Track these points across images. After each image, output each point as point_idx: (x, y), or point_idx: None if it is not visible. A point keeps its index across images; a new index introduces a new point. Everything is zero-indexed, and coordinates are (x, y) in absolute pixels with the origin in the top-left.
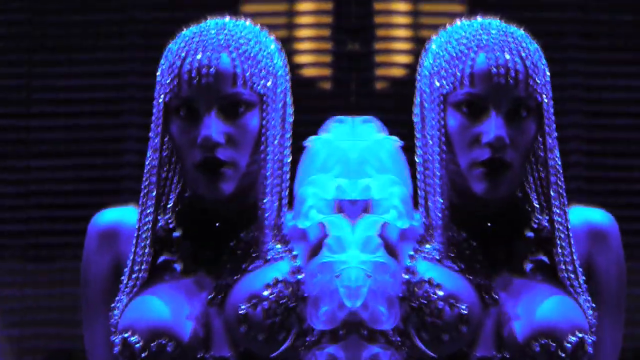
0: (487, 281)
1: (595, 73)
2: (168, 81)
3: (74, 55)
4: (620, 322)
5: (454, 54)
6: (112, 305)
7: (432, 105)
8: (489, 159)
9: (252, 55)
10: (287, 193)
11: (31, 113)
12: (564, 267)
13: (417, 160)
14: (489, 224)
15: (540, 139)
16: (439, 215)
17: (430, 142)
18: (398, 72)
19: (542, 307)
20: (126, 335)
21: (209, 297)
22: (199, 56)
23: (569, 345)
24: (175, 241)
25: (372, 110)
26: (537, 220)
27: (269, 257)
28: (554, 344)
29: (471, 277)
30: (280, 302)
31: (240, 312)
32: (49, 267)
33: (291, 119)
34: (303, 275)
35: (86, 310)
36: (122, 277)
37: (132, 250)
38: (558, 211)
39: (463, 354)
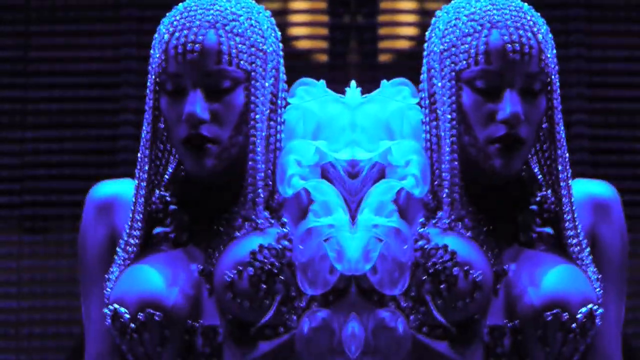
0: (495, 251)
1: (598, 44)
2: (157, 56)
3: (71, 27)
4: (623, 293)
5: (466, 31)
6: (106, 277)
7: (444, 81)
8: (504, 135)
9: (240, 32)
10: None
11: (28, 84)
12: (570, 239)
13: (424, 134)
14: (495, 196)
15: (549, 113)
16: (448, 187)
17: (442, 118)
18: (402, 45)
19: (553, 278)
20: (116, 306)
21: (200, 267)
22: (185, 32)
23: (579, 315)
24: (170, 213)
25: (374, 83)
26: (542, 193)
27: (252, 227)
28: (566, 314)
29: (484, 247)
30: (265, 268)
31: (226, 279)
32: (44, 239)
33: (285, 94)
34: (290, 241)
35: (83, 282)
36: (117, 249)
37: (128, 222)
38: (563, 184)
39: (475, 322)
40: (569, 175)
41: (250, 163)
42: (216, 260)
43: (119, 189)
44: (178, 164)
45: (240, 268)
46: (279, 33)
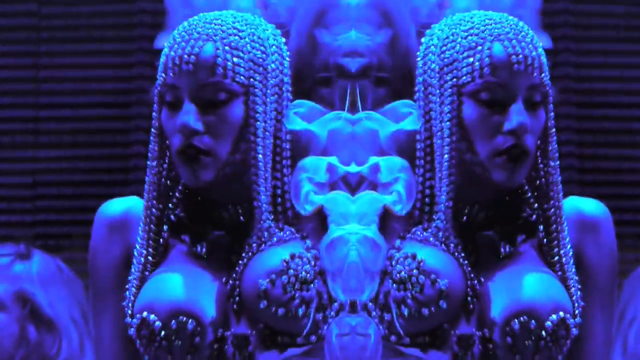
0: (474, 266)
1: (586, 64)
2: (160, 69)
3: (83, 46)
4: (612, 312)
5: (467, 45)
6: (125, 291)
7: (443, 97)
8: (512, 146)
9: (238, 46)
10: (288, 181)
11: (39, 104)
12: (553, 253)
13: (418, 148)
14: (481, 209)
15: (546, 126)
16: (442, 203)
17: (439, 134)
18: None
19: (522, 285)
20: (144, 314)
21: (224, 278)
22: (183, 44)
23: (549, 323)
24: (183, 225)
25: None
26: (528, 208)
27: (276, 239)
28: (534, 322)
29: (460, 259)
30: (299, 276)
31: (260, 287)
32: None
33: (284, 111)
34: (317, 251)
35: (95, 301)
36: (133, 263)
37: (142, 235)
38: (553, 197)
39: (443, 332)
40: (559, 189)
41: (252, 178)
42: (240, 272)
43: (130, 206)
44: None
45: (274, 276)
46: (287, 52)
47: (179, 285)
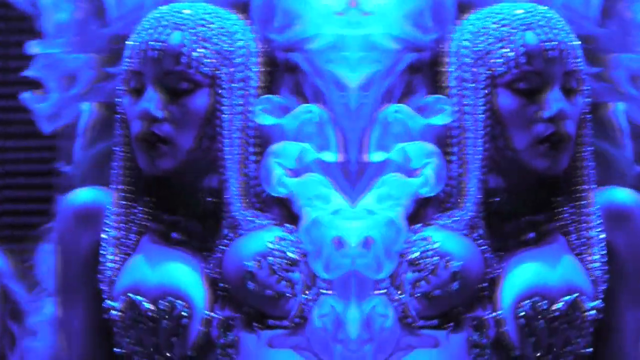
0: (499, 254)
1: None
2: (126, 55)
3: None
4: None
5: (500, 36)
6: (100, 276)
7: (477, 89)
8: (553, 133)
9: (206, 37)
10: (255, 170)
11: (8, 94)
12: (581, 235)
13: (453, 139)
14: (510, 197)
15: (583, 111)
16: (472, 192)
17: (473, 126)
18: None
19: (536, 267)
20: (130, 295)
21: (202, 263)
22: (151, 31)
23: (561, 304)
24: (157, 212)
25: None
26: (561, 192)
27: (253, 226)
28: (545, 302)
29: (482, 245)
30: (285, 257)
31: (246, 269)
32: (22, 248)
33: (255, 101)
34: (297, 234)
35: (64, 293)
36: (105, 249)
37: (114, 220)
38: (585, 185)
39: (458, 314)
40: (591, 174)
41: (220, 170)
42: (222, 257)
43: (97, 196)
44: None
45: (260, 258)
46: (257, 47)
47: (164, 267)
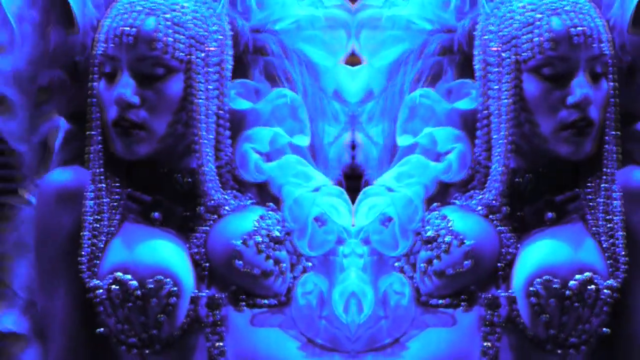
0: (520, 231)
1: None
2: (100, 39)
3: None
4: None
5: (525, 21)
6: (81, 259)
7: (502, 74)
8: (578, 118)
9: (180, 22)
10: (230, 153)
11: None
12: (600, 218)
13: (478, 123)
14: (534, 179)
15: (608, 96)
16: (497, 175)
17: (499, 111)
18: None
19: (548, 246)
20: (118, 274)
21: (185, 244)
22: (126, 16)
23: (573, 282)
24: (133, 196)
25: None
26: (582, 175)
27: (229, 207)
28: (557, 280)
29: (499, 225)
30: (272, 235)
31: (235, 248)
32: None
33: (229, 86)
34: (281, 213)
35: (45, 274)
36: (85, 231)
37: (92, 203)
38: (607, 168)
39: (470, 293)
40: (614, 157)
41: (196, 154)
42: (206, 237)
43: (76, 176)
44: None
45: (247, 237)
46: (230, 32)
47: (151, 247)
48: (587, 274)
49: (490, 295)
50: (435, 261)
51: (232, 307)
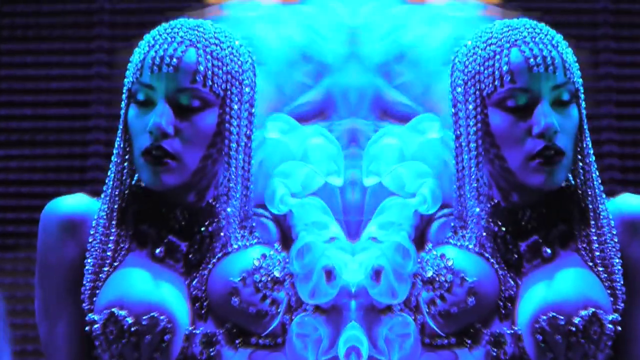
0: (517, 267)
1: (627, 62)
2: (134, 67)
3: (42, 45)
4: None
5: (486, 56)
6: (83, 289)
7: (469, 111)
8: (543, 148)
9: (219, 56)
10: (251, 191)
11: None
12: (594, 249)
13: (454, 159)
14: (521, 214)
15: (579, 123)
16: (475, 210)
17: (467, 147)
18: None
19: (552, 283)
20: (114, 310)
21: (187, 280)
22: (165, 46)
23: (578, 319)
24: (140, 229)
25: None
26: (572, 206)
27: (236, 246)
28: (562, 318)
29: (498, 265)
30: (271, 276)
31: (231, 285)
32: (14, 256)
33: (254, 125)
34: (286, 254)
35: (48, 303)
36: (89, 263)
37: (100, 233)
38: (592, 197)
39: (476, 331)
40: (596, 185)
41: (224, 188)
42: (208, 273)
43: (81, 205)
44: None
45: (246, 275)
46: (257, 70)
47: (148, 283)
48: (591, 309)
49: (496, 333)
50: (438, 301)
51: (227, 345)
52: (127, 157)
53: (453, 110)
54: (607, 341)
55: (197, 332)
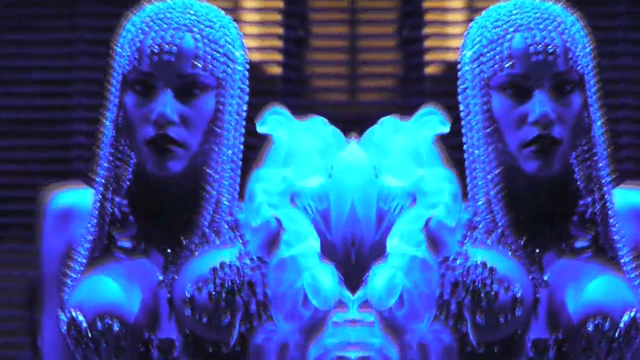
0: (536, 263)
1: None
2: (129, 54)
3: (23, 36)
4: None
5: (491, 38)
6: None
7: (475, 91)
8: (537, 136)
9: (214, 39)
10: (239, 178)
11: None
12: (613, 247)
13: (464, 146)
14: (536, 205)
15: (585, 111)
16: (485, 198)
17: (475, 127)
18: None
19: (592, 287)
20: (74, 313)
21: (159, 279)
22: (162, 33)
23: (622, 325)
24: (127, 222)
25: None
26: (584, 201)
27: (219, 242)
28: (607, 323)
29: (521, 260)
30: (226, 285)
31: (186, 294)
32: None
33: (245, 106)
34: (251, 260)
35: (44, 292)
36: (76, 257)
37: (86, 230)
38: (605, 187)
39: (518, 337)
40: (609, 177)
41: (212, 173)
42: (176, 273)
43: (79, 198)
44: (136, 170)
45: (201, 284)
46: (246, 49)
47: (110, 287)
48: (632, 313)
49: (538, 339)
50: (484, 311)
51: (186, 352)
52: (120, 147)
53: (462, 87)
54: (637, 342)
55: (154, 338)
